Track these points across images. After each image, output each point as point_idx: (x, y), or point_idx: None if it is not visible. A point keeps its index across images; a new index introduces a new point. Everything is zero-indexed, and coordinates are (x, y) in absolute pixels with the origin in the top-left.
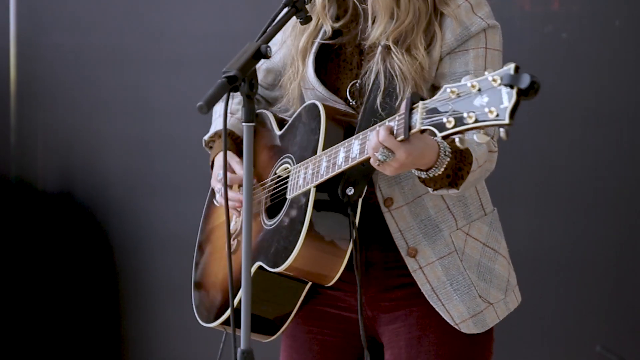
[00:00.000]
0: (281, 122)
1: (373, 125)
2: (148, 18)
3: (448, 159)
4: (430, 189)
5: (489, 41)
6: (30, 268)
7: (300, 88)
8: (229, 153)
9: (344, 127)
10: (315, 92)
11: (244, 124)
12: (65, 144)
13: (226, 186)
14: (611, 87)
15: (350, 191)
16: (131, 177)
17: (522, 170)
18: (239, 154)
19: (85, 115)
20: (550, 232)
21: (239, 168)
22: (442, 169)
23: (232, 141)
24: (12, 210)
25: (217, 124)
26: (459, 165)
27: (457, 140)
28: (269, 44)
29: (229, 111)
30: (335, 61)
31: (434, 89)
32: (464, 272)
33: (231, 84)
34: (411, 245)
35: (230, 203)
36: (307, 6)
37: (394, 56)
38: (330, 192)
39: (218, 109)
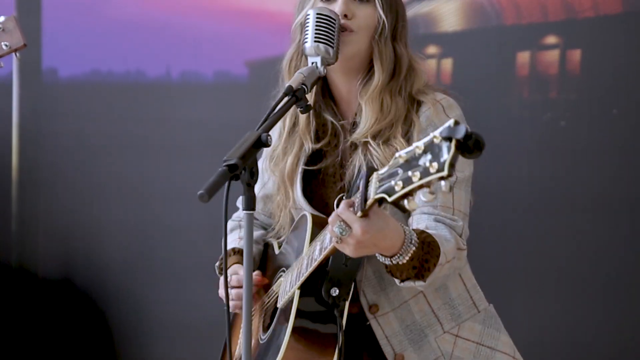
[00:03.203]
0: (280, 244)
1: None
2: (148, 106)
3: (414, 248)
4: (397, 280)
5: None
6: (31, 355)
7: (291, 213)
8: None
9: None
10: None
11: (244, 211)
12: (66, 231)
13: (226, 277)
14: (609, 175)
15: (335, 292)
16: (131, 264)
17: (524, 258)
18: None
19: (85, 202)
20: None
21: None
22: (407, 257)
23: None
24: (13, 296)
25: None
26: (425, 257)
27: (405, 202)
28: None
29: (239, 235)
30: (319, 177)
31: None
32: None
33: (232, 173)
34: (398, 351)
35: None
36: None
37: (371, 149)
38: (314, 295)
39: (229, 240)
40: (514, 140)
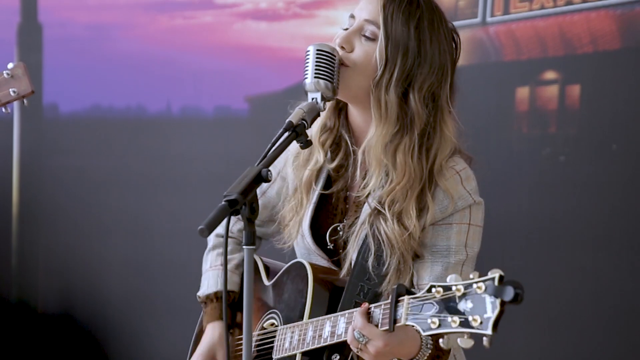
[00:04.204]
0: (268, 269)
1: (360, 291)
2: (149, 141)
3: (429, 351)
4: None
5: (472, 217)
6: None
7: (298, 227)
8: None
9: (329, 290)
10: (304, 240)
11: (244, 247)
12: (66, 266)
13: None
14: (609, 210)
15: (336, 357)
16: (131, 299)
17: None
18: (234, 313)
19: (85, 237)
20: None
21: None
22: None
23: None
24: (13, 331)
25: (210, 281)
26: (437, 353)
27: (441, 341)
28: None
29: (221, 262)
30: (325, 206)
31: (415, 255)
32: None
33: (232, 208)
34: None
35: None
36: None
37: (382, 222)
38: (315, 357)
39: (209, 258)
40: (513, 175)
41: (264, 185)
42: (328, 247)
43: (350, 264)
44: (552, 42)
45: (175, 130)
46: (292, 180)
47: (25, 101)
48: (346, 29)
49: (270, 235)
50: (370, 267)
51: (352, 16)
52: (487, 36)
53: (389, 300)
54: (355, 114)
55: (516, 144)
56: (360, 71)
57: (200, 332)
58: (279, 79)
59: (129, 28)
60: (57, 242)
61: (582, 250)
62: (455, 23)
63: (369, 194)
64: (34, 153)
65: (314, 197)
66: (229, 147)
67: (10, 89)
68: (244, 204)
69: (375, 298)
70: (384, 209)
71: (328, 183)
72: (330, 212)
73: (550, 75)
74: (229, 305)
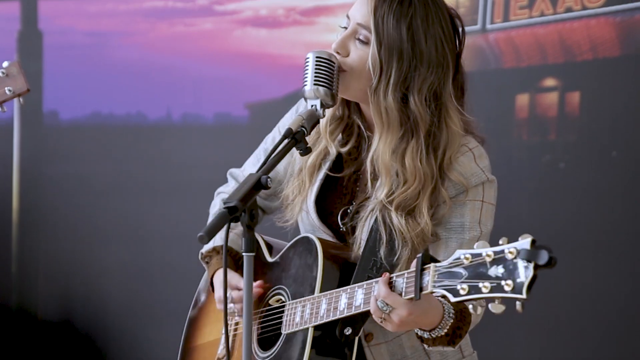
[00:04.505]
0: (270, 247)
1: (372, 266)
2: (149, 148)
3: (452, 320)
4: (425, 345)
5: (485, 194)
6: None
7: (302, 204)
8: (230, 272)
9: (340, 264)
10: (309, 216)
11: (244, 253)
12: (66, 273)
13: (225, 313)
14: (609, 217)
15: (348, 331)
16: (131, 306)
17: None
18: (239, 268)
19: (85, 243)
20: None
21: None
22: (445, 330)
23: (231, 258)
24: (13, 338)
25: (215, 238)
26: (458, 324)
27: (470, 307)
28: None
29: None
30: (333, 184)
31: None
32: None
33: (232, 215)
34: None
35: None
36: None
37: (394, 216)
38: (327, 331)
39: (218, 202)
40: (513, 182)
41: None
42: (341, 229)
43: (361, 242)
44: (552, 49)
45: (175, 137)
46: (298, 158)
47: (20, 99)
48: (344, 28)
49: (274, 209)
50: (383, 255)
51: (348, 16)
52: (487, 43)
53: (412, 269)
54: (364, 106)
55: (516, 151)
56: (357, 75)
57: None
58: (279, 86)
59: (129, 35)
60: (57, 249)
61: (583, 256)
62: None
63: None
64: (34, 160)
65: (319, 177)
66: (229, 153)
67: (6, 88)
68: (244, 210)
69: (390, 272)
70: (391, 207)
71: (338, 166)
72: (339, 193)
73: (550, 82)
74: (237, 260)
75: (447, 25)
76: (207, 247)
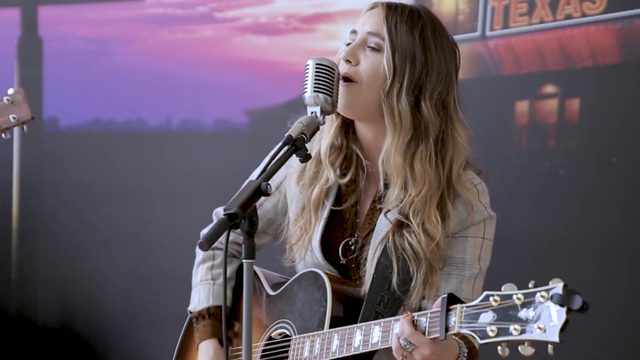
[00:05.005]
0: (271, 281)
1: (380, 301)
2: (149, 154)
3: (465, 358)
4: None
5: (486, 231)
6: None
7: (308, 242)
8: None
9: (348, 300)
10: (313, 255)
11: (244, 260)
12: (66, 279)
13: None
14: (609, 223)
15: None
16: (131, 312)
17: None
18: (228, 328)
19: (85, 250)
20: None
21: None
22: None
23: (217, 321)
24: (13, 345)
25: (200, 296)
26: None
27: (499, 349)
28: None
29: (212, 276)
30: (335, 222)
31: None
32: None
33: (231, 221)
34: None
35: None
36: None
37: (406, 235)
38: None
39: (200, 271)
40: (513, 189)
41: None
42: (340, 262)
43: (368, 277)
44: (552, 56)
45: (175, 143)
46: (296, 198)
47: (25, 127)
48: (349, 44)
49: (261, 247)
50: (395, 286)
51: (354, 31)
52: (487, 50)
53: (435, 309)
54: (364, 130)
55: (516, 158)
56: (368, 84)
57: (185, 343)
58: (279, 92)
59: (129, 42)
60: (57, 256)
61: (583, 263)
62: (455, 37)
63: (388, 210)
64: (34, 166)
65: (324, 214)
66: (229, 160)
67: (10, 115)
68: (244, 217)
69: (397, 308)
70: (409, 220)
71: (338, 199)
72: (340, 227)
73: (549, 89)
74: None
75: (450, 42)
76: (194, 307)
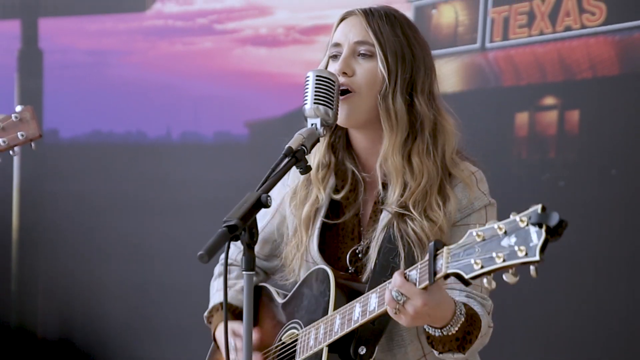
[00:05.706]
0: (282, 293)
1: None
2: (149, 166)
3: (463, 319)
4: (436, 352)
5: (488, 217)
6: None
7: (303, 260)
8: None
9: (350, 290)
10: (315, 266)
11: (244, 272)
12: (66, 291)
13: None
14: (608, 235)
15: (363, 350)
16: (131, 324)
17: (525, 318)
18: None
19: (85, 262)
20: None
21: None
22: (456, 328)
23: (231, 314)
24: (12, 357)
25: (215, 299)
26: (469, 329)
27: (485, 281)
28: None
29: (228, 285)
30: (335, 231)
31: None
32: None
33: (232, 233)
34: None
35: None
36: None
37: (409, 222)
38: (341, 352)
39: (216, 284)
40: (512, 200)
41: (263, 221)
42: (349, 270)
43: (371, 262)
44: (551, 68)
45: (175, 155)
46: (291, 219)
47: (32, 144)
48: (333, 56)
49: (274, 269)
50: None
51: (337, 44)
52: (487, 62)
53: (425, 260)
54: (360, 139)
55: (515, 169)
56: (367, 91)
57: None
58: (279, 104)
59: (129, 54)
60: (56, 267)
61: (582, 274)
62: (455, 49)
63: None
64: (34, 178)
65: (316, 227)
66: (229, 172)
67: (19, 132)
68: (244, 229)
69: None
70: (410, 211)
71: (337, 212)
72: (343, 238)
73: (549, 100)
74: (237, 315)
75: (419, 32)
76: (208, 309)
